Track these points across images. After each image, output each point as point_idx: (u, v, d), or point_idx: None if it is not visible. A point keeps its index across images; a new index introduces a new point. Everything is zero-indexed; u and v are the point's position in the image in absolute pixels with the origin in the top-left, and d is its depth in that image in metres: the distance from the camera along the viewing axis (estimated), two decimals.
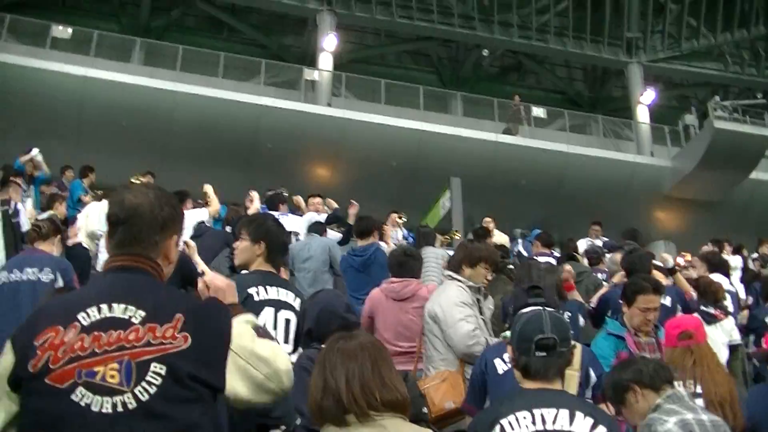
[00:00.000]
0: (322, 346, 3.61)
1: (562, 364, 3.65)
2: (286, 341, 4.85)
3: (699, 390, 4.66)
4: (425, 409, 4.69)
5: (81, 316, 2.57)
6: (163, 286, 2.79)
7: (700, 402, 4.54)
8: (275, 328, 4.86)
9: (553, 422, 3.38)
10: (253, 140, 23.12)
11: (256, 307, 4.78)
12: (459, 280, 5.85)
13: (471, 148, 24.36)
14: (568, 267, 8.38)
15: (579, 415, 3.41)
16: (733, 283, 10.56)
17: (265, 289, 4.95)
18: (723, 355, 7.42)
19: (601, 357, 5.41)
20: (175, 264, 2.92)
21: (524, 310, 4.01)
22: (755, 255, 15.87)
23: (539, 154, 25.23)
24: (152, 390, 2.48)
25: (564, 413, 3.40)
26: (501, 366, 4.76)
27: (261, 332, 2.83)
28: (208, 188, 11.48)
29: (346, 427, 3.03)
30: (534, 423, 3.39)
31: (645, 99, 29.24)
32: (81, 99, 21.65)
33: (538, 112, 27.82)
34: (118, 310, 2.59)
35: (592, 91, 33.59)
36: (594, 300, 7.65)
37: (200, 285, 3.05)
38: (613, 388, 4.14)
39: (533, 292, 4.93)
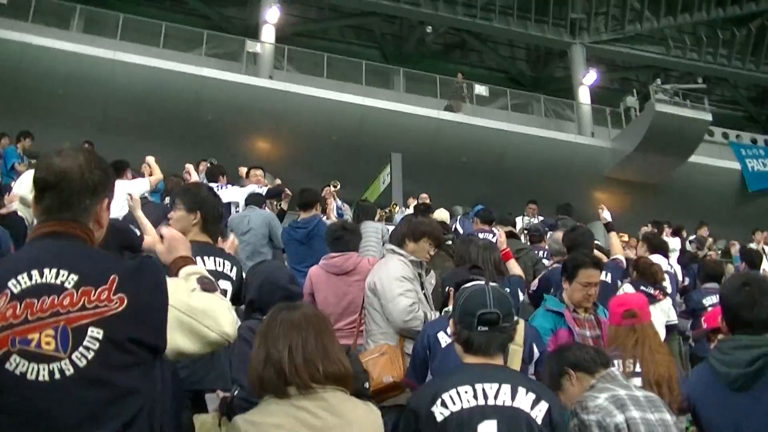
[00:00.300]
0: (264, 317, 3.60)
1: (504, 340, 3.63)
2: None
3: (638, 369, 4.61)
4: (367, 385, 4.63)
5: (11, 283, 2.47)
6: (95, 250, 2.69)
7: (638, 381, 4.53)
8: None
9: (495, 397, 3.38)
10: (194, 112, 22.77)
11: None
12: (401, 254, 5.74)
13: (413, 124, 24.34)
14: (501, 232, 8.38)
15: (521, 390, 3.41)
16: (671, 265, 10.60)
17: (202, 260, 4.81)
18: (661, 335, 7.43)
19: (540, 330, 5.44)
20: (106, 228, 2.82)
21: (467, 285, 3.98)
22: (692, 237, 16.00)
23: (481, 132, 25.30)
24: (90, 355, 2.40)
25: (506, 388, 3.40)
26: (444, 339, 4.70)
27: (206, 283, 2.79)
28: (151, 159, 11.32)
29: (286, 399, 2.98)
30: (476, 398, 3.38)
31: (587, 80, 29.44)
32: (18, 65, 21.10)
33: (481, 90, 27.79)
34: (50, 275, 2.49)
35: (534, 71, 33.71)
36: (534, 283, 7.62)
37: (148, 240, 2.98)
38: (549, 374, 4.10)
39: (474, 271, 5.00)
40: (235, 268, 5.02)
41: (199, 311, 2.64)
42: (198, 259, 4.67)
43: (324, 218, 9.99)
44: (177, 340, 2.57)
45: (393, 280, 5.58)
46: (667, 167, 26.21)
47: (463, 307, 3.64)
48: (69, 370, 2.38)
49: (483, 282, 3.86)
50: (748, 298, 3.84)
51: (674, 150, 25.61)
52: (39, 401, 2.36)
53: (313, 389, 2.98)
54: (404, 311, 5.39)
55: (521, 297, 7.00)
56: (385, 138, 22.21)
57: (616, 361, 4.51)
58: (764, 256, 14.24)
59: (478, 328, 3.53)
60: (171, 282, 2.67)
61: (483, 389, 3.39)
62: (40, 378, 2.37)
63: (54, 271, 2.50)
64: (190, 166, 11.84)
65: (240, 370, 3.85)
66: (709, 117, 26.05)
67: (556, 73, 33.14)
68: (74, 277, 2.49)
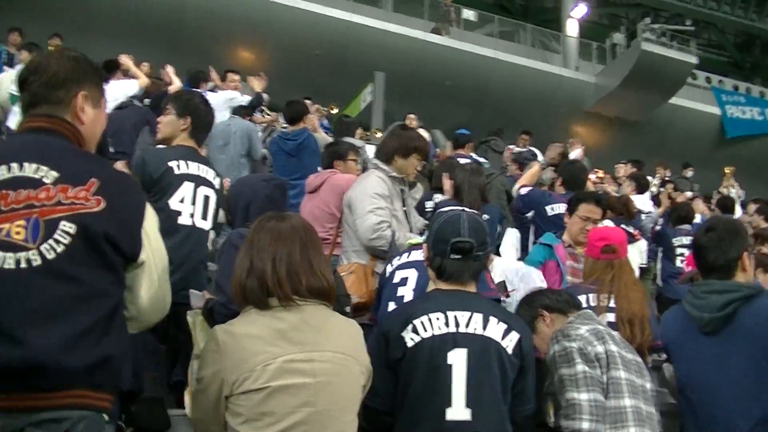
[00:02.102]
0: None
1: (477, 268, 3.61)
2: (204, 217, 4.81)
3: (612, 305, 4.64)
4: (348, 309, 4.62)
5: None
6: (79, 150, 2.68)
7: (611, 316, 4.55)
8: (194, 203, 4.77)
9: (467, 325, 3.38)
10: (178, 18, 22.46)
11: (176, 181, 4.72)
12: (383, 170, 5.70)
13: (398, 44, 24.11)
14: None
15: (493, 320, 3.41)
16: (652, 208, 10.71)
17: (186, 164, 4.82)
18: (636, 274, 7.52)
19: (531, 261, 5.61)
20: (92, 124, 2.79)
21: (443, 210, 3.92)
22: (668, 176, 16.07)
23: (466, 57, 25.13)
24: (59, 249, 2.40)
25: (478, 317, 3.40)
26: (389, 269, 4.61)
27: None
28: (126, 59, 11.15)
29: (267, 310, 2.97)
30: (447, 325, 3.38)
31: (576, 13, 29.15)
32: None
33: (469, 14, 27.55)
34: (30, 169, 2.49)
35: None
36: (526, 186, 7.68)
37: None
38: (527, 314, 4.09)
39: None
40: (217, 178, 5.01)
41: (160, 254, 2.70)
42: (182, 162, 4.77)
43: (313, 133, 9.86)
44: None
45: (366, 197, 5.46)
46: (649, 106, 26.30)
47: (437, 234, 3.59)
48: (36, 261, 2.37)
49: (459, 208, 3.80)
50: (712, 242, 3.92)
51: (657, 90, 25.65)
52: (3, 288, 2.35)
53: (294, 302, 2.97)
54: (370, 229, 5.27)
55: (498, 228, 7.02)
56: (370, 56, 22.03)
57: (591, 295, 4.60)
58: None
59: (451, 256, 3.51)
60: (150, 208, 2.70)
61: (455, 317, 3.39)
62: (6, 266, 2.35)
63: (34, 165, 2.49)
64: (170, 68, 11.66)
65: (224, 276, 3.74)
66: (694, 60, 26.08)
67: (545, 3, 32.76)
68: (54, 174, 2.48)
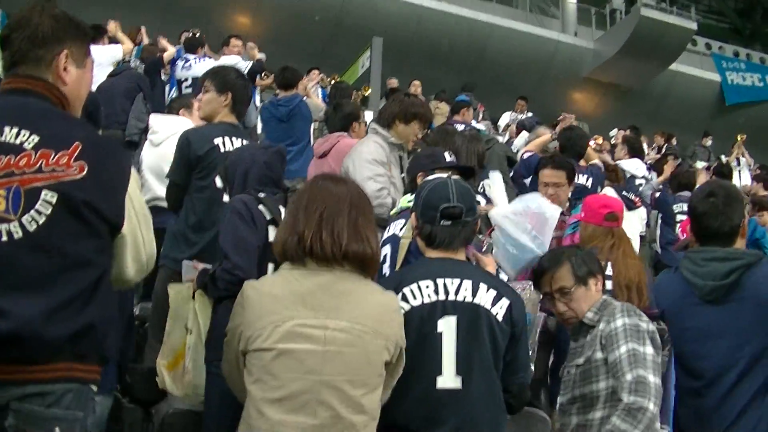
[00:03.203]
0: (260, 194, 3.90)
1: (467, 234, 3.60)
2: None
3: (609, 272, 4.59)
4: None
5: None
6: (61, 113, 2.61)
7: (608, 284, 4.51)
8: None
9: (456, 293, 3.38)
10: None
11: (221, 158, 4.77)
12: (382, 135, 5.62)
13: (396, 9, 23.90)
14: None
15: (483, 286, 3.41)
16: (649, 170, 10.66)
17: (231, 140, 4.96)
18: (636, 241, 7.49)
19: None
20: (76, 85, 2.72)
21: (429, 178, 3.95)
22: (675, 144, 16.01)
23: (463, 21, 24.93)
24: (41, 220, 2.34)
25: (467, 284, 3.40)
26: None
27: None
28: (113, 26, 11.09)
29: (297, 270, 3.01)
30: (437, 292, 3.38)
31: None
32: None
33: None
34: (10, 134, 2.42)
35: None
36: (531, 151, 7.62)
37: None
38: (585, 274, 3.91)
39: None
40: None
41: (144, 217, 2.65)
42: (227, 139, 4.93)
43: (305, 98, 9.81)
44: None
45: (364, 163, 5.48)
46: (648, 73, 26.10)
47: (426, 200, 3.58)
48: (17, 233, 2.33)
49: (446, 176, 3.81)
50: (713, 209, 3.87)
51: (656, 56, 25.42)
52: None
53: (328, 265, 2.99)
54: (370, 196, 5.26)
55: None
56: (368, 21, 21.81)
57: None
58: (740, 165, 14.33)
59: (441, 222, 3.50)
60: (133, 173, 2.63)
61: (444, 284, 3.39)
62: None
63: (15, 130, 2.42)
64: (163, 40, 11.60)
65: (227, 242, 3.83)
66: (694, 26, 25.88)
67: None
68: (35, 138, 2.42)
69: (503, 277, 4.51)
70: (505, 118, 15.31)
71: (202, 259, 4.44)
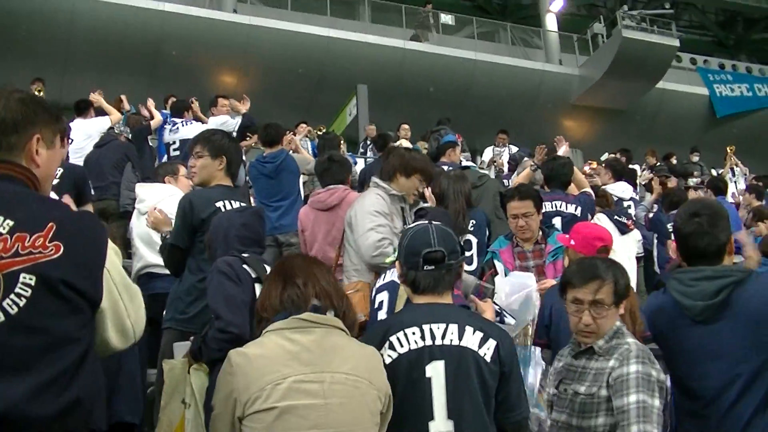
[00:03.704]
0: (243, 255, 4.05)
1: (451, 278, 3.58)
2: None
3: None
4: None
5: None
6: (34, 195, 2.60)
7: None
8: None
9: (443, 337, 3.37)
10: (157, 48, 22.50)
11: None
12: (383, 188, 5.63)
13: (378, 54, 24.15)
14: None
15: (468, 329, 3.39)
16: (638, 191, 10.62)
17: (231, 203, 4.95)
18: (633, 265, 7.45)
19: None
20: (47, 166, 2.70)
21: (410, 225, 4.04)
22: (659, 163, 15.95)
23: (447, 61, 25.14)
24: (21, 302, 2.33)
25: (453, 328, 3.39)
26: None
27: None
28: (96, 97, 11.18)
29: (282, 331, 3.02)
30: (423, 338, 3.37)
31: (554, 7, 29.16)
32: None
33: (447, 19, 27.62)
34: None
35: None
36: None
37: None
38: (623, 290, 3.84)
39: (419, 213, 4.97)
40: None
41: (126, 288, 2.62)
42: (227, 203, 4.93)
43: (292, 153, 9.82)
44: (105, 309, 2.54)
45: (366, 215, 5.44)
46: (635, 93, 26.30)
47: (408, 247, 3.58)
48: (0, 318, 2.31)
49: (426, 221, 3.77)
50: (699, 228, 3.79)
51: (642, 76, 25.65)
52: None
53: (316, 323, 3.02)
54: (372, 246, 5.26)
55: (486, 231, 6.94)
56: (352, 69, 22.05)
57: None
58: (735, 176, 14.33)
59: (425, 268, 3.49)
60: (112, 245, 2.62)
61: (431, 329, 3.38)
62: None
63: None
64: (150, 102, 11.67)
65: (217, 302, 3.86)
66: (676, 42, 26.05)
67: (522, 1, 32.76)
68: (9, 223, 2.40)
69: (509, 322, 4.52)
70: (488, 153, 15.29)
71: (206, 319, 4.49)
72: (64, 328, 2.39)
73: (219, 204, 4.90)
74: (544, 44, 28.69)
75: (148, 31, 22.22)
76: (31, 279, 2.34)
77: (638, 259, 8.42)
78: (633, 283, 5.95)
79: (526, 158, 10.12)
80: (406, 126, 15.24)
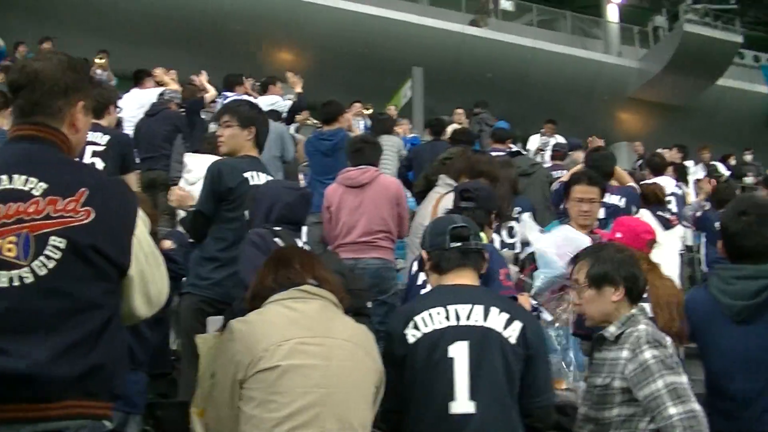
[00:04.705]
0: (275, 228, 4.14)
1: (477, 261, 3.63)
2: None
3: (645, 295, 4.54)
4: (370, 304, 4.66)
5: None
6: (69, 160, 2.69)
7: (645, 305, 4.45)
8: None
9: (467, 317, 3.39)
10: (214, 22, 22.57)
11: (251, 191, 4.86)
12: (447, 185, 5.71)
13: (436, 38, 24.02)
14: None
15: (494, 310, 3.41)
16: (681, 186, 10.47)
17: (257, 175, 5.00)
18: (676, 261, 7.39)
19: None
20: (84, 131, 2.81)
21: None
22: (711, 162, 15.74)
23: (505, 48, 24.96)
24: (51, 264, 2.40)
25: (479, 309, 3.42)
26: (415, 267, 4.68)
27: None
28: (159, 72, 11.29)
29: (282, 301, 3.13)
30: (448, 318, 3.41)
31: None
32: None
33: (506, 5, 27.44)
34: (19, 181, 2.49)
35: None
36: (558, 181, 7.55)
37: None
38: (600, 275, 3.70)
39: (464, 195, 4.84)
40: None
41: (153, 257, 2.68)
42: (255, 174, 4.98)
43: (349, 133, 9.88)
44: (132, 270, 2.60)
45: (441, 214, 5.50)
46: (695, 89, 25.85)
47: (432, 229, 3.70)
48: (28, 278, 2.38)
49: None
50: (746, 227, 3.75)
51: (702, 72, 25.21)
52: None
53: (312, 293, 3.12)
54: None
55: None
56: (408, 52, 21.89)
57: None
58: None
59: (451, 245, 3.54)
60: (141, 214, 2.68)
61: (455, 310, 3.41)
62: (0, 285, 2.36)
63: (23, 177, 2.48)
64: (203, 75, 11.74)
65: (248, 272, 3.88)
66: (739, 39, 25.66)
67: None
68: (43, 185, 2.48)
69: (545, 317, 4.51)
70: (534, 141, 15.17)
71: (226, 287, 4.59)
72: (90, 293, 2.46)
73: (247, 175, 4.95)
74: (603, 35, 28.37)
75: (208, 5, 22.40)
76: (61, 242, 2.42)
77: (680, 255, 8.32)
78: (676, 280, 5.95)
79: (577, 152, 10.06)
80: (460, 110, 15.12)
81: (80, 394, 2.40)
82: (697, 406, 3.28)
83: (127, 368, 2.65)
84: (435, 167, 7.01)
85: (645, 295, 4.51)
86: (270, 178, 5.07)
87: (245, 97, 11.11)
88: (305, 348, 2.96)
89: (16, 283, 2.37)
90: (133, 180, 6.60)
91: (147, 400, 4.70)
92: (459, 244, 3.55)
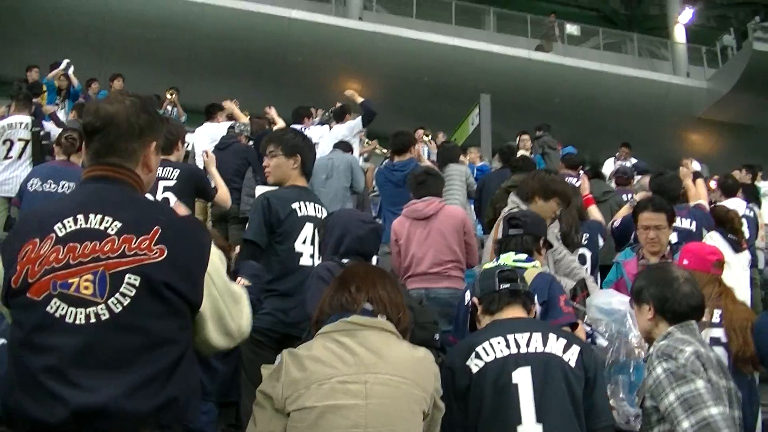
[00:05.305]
0: (344, 261, 4.08)
1: (527, 302, 3.74)
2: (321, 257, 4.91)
3: (716, 320, 4.55)
4: (437, 336, 4.71)
5: (57, 227, 2.56)
6: (142, 198, 2.79)
7: (716, 331, 4.48)
8: (313, 243, 4.95)
9: (527, 345, 3.48)
10: (282, 54, 22.85)
11: (299, 222, 4.94)
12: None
13: (503, 64, 24.00)
14: (584, 177, 8.31)
15: (552, 336, 3.52)
16: (752, 207, 10.32)
17: (305, 205, 5.02)
18: (746, 284, 7.30)
19: (605, 283, 5.82)
20: (155, 171, 2.92)
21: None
22: None
23: (572, 72, 24.83)
24: (126, 302, 2.49)
25: (537, 336, 3.51)
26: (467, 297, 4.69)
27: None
28: (229, 104, 11.45)
29: (331, 334, 3.11)
30: (508, 347, 3.49)
31: (683, 18, 28.57)
32: (105, 10, 21.35)
33: (572, 29, 27.34)
34: (95, 221, 2.58)
35: (627, 9, 32.66)
36: (617, 220, 7.47)
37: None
38: (637, 293, 3.96)
39: (512, 222, 4.91)
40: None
41: (229, 293, 2.75)
42: (302, 204, 4.98)
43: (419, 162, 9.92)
44: (205, 310, 2.68)
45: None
46: (764, 108, 25.34)
47: (482, 276, 3.85)
48: (104, 315, 2.47)
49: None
50: None
51: None
52: (74, 343, 2.45)
53: (358, 325, 3.10)
54: None
55: (600, 243, 6.94)
56: (475, 79, 21.91)
57: None
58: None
59: (501, 287, 3.68)
60: (215, 251, 2.75)
61: (515, 338, 3.49)
62: (77, 321, 2.46)
63: (99, 216, 2.58)
64: (272, 110, 11.92)
65: (313, 306, 3.85)
66: None
67: (650, 11, 32.12)
68: (117, 224, 2.57)
69: (601, 343, 4.54)
70: (609, 165, 15.08)
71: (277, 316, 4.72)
72: (163, 328, 2.54)
73: (295, 205, 4.95)
74: (671, 56, 28.12)
75: (274, 37, 22.60)
76: (135, 279, 2.51)
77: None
78: (747, 301, 5.91)
79: (646, 177, 10.00)
80: (525, 136, 15.12)
81: (155, 427, 2.48)
82: (713, 411, 3.32)
83: (200, 401, 2.73)
84: (499, 195, 7.09)
85: (716, 321, 4.56)
86: (317, 206, 5.11)
87: (311, 128, 11.37)
88: (345, 387, 2.96)
89: (93, 320, 2.46)
90: (223, 197, 6.73)
91: (217, 431, 4.81)
92: (507, 285, 3.69)
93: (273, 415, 3.00)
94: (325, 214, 5.05)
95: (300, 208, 4.96)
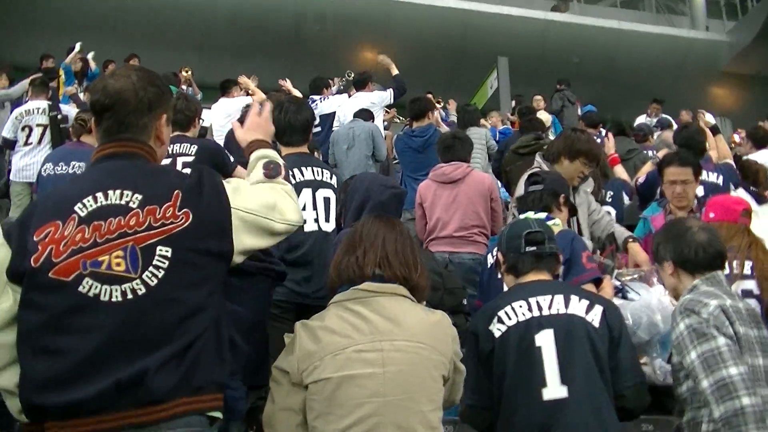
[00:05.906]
0: None
1: (551, 264, 3.73)
2: (327, 219, 4.96)
3: (747, 271, 4.48)
4: (465, 301, 4.67)
5: (78, 207, 2.54)
6: (156, 167, 2.78)
7: (748, 283, 4.39)
8: (315, 207, 4.93)
9: (549, 307, 3.49)
10: (297, 25, 22.73)
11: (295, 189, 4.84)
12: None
13: (519, 27, 23.72)
14: (609, 135, 8.23)
15: (574, 298, 3.52)
16: None
17: (301, 171, 4.98)
18: None
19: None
20: (167, 141, 2.91)
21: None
22: None
23: (590, 31, 24.54)
24: (160, 274, 2.49)
25: (559, 298, 3.51)
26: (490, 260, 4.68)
27: (271, 168, 2.92)
28: (245, 80, 11.45)
29: (346, 302, 3.10)
30: (530, 310, 3.50)
31: None
32: None
33: None
34: (114, 196, 2.56)
35: None
36: (641, 177, 7.37)
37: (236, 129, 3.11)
38: (655, 252, 3.92)
39: (532, 179, 4.90)
40: (335, 177, 5.15)
41: (263, 207, 2.73)
42: (296, 171, 4.92)
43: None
44: (244, 240, 2.67)
45: None
46: None
47: (509, 233, 3.79)
48: (141, 290, 2.47)
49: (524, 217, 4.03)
50: None
51: None
52: (113, 321, 2.44)
53: (370, 292, 3.07)
54: None
55: (626, 201, 6.87)
56: (492, 42, 21.79)
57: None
58: None
59: (526, 249, 3.65)
60: (230, 184, 2.75)
61: (537, 302, 3.49)
62: (113, 299, 2.45)
63: (118, 192, 2.56)
64: (287, 83, 11.89)
65: None
66: None
67: None
68: (138, 197, 2.56)
69: (632, 297, 4.46)
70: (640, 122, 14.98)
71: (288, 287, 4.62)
72: (196, 297, 2.55)
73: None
74: (689, 10, 27.74)
75: (288, 8, 22.45)
76: (167, 251, 2.51)
77: None
78: None
79: (666, 131, 9.88)
80: (538, 96, 15.07)
81: (190, 393, 2.49)
82: (732, 371, 3.25)
83: (228, 353, 2.70)
84: (508, 158, 7.04)
85: (748, 272, 4.48)
86: (317, 169, 5.08)
87: (331, 96, 11.30)
88: (361, 356, 2.95)
89: (129, 296, 2.46)
90: (242, 174, 6.65)
91: (248, 405, 4.80)
92: (534, 248, 3.65)
93: (290, 389, 2.99)
94: (330, 177, 5.07)
95: (293, 175, 4.90)
